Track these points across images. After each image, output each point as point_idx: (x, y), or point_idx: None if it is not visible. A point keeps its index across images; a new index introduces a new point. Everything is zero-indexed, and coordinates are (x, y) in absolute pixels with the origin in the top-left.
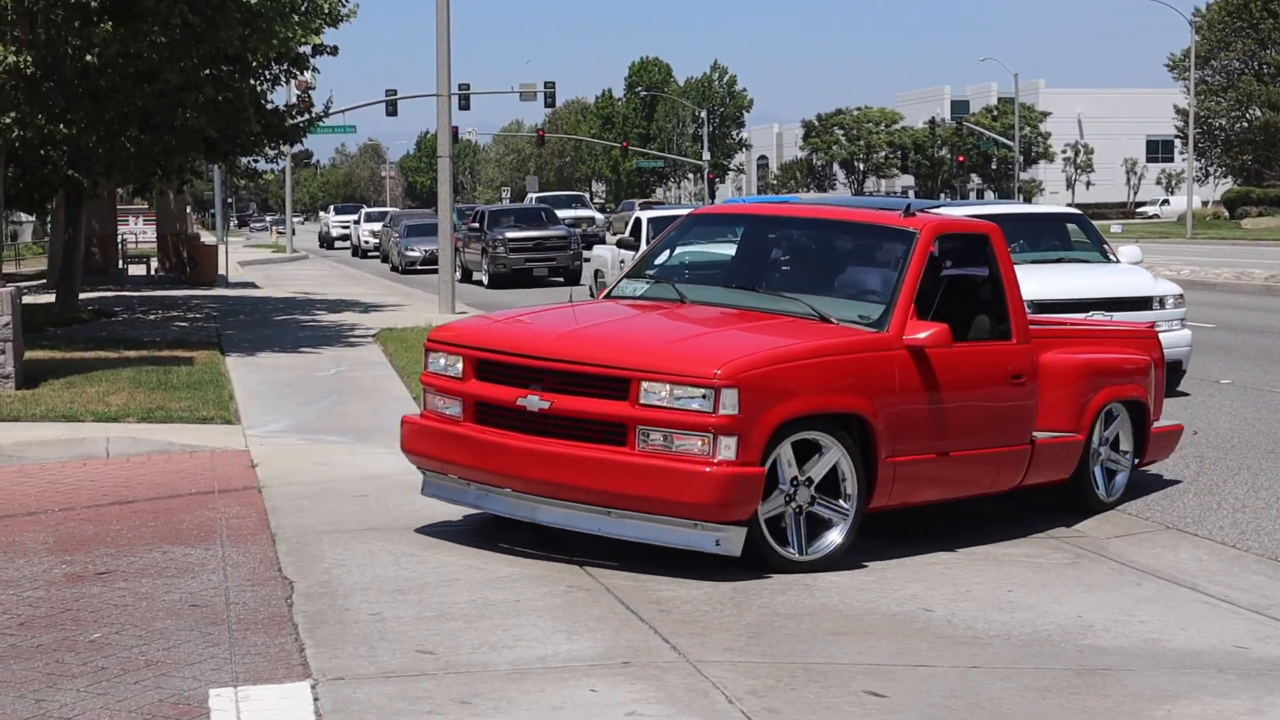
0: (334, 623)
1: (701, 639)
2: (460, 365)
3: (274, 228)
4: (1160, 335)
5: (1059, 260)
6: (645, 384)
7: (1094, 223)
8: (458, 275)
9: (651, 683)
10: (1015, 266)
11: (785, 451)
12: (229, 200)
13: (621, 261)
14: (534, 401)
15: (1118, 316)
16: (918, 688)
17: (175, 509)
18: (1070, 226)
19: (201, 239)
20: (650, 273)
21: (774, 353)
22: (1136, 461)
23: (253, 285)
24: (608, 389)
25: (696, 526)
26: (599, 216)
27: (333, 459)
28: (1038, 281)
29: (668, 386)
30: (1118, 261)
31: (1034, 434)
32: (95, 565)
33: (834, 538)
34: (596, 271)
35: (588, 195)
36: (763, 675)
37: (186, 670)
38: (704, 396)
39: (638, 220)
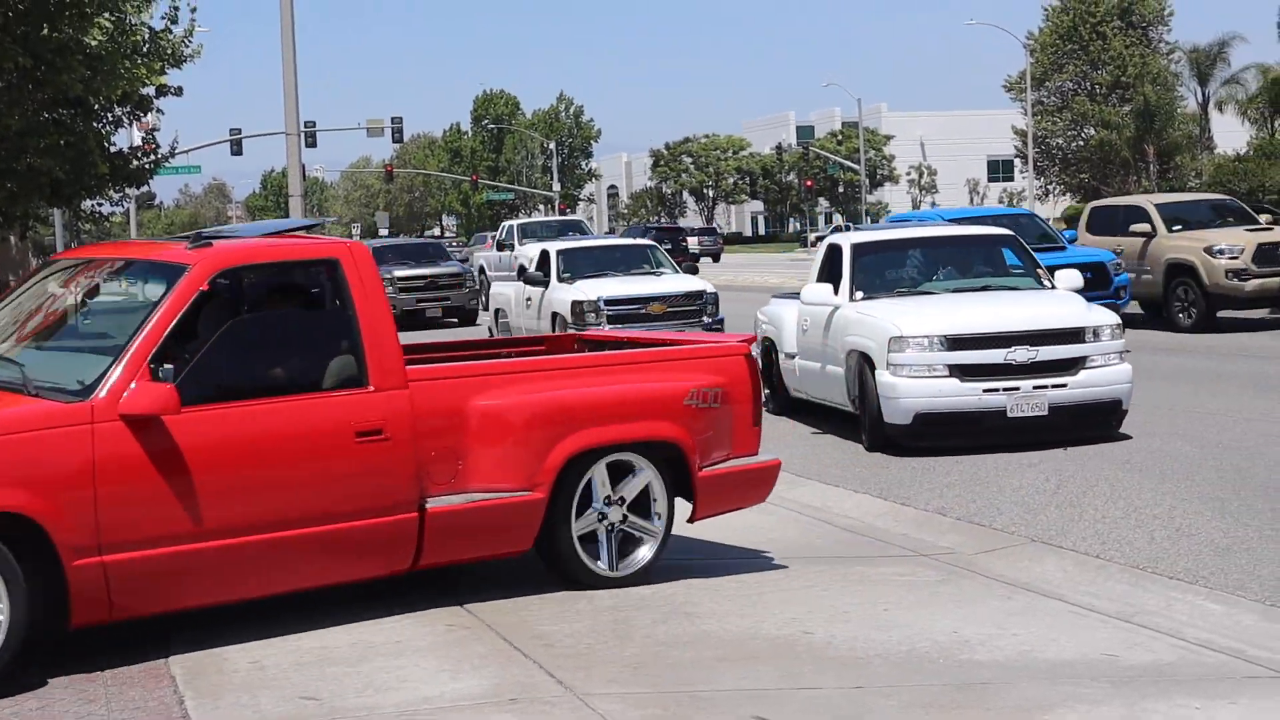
0: (213, 672)
1: (586, 671)
2: None
3: None
4: (1099, 369)
5: (984, 289)
6: None
7: None
8: None
9: (539, 718)
10: (935, 295)
11: None
12: (71, 245)
13: (528, 299)
14: None
15: (1044, 351)
16: (804, 709)
17: None
18: (1003, 250)
19: None
20: None
21: None
22: (691, 514)
23: None
24: None
25: None
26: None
27: None
28: (953, 314)
29: None
30: (1052, 288)
31: (431, 499)
32: None
33: None
34: (498, 311)
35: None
36: (650, 705)
37: None
38: None
39: (545, 253)
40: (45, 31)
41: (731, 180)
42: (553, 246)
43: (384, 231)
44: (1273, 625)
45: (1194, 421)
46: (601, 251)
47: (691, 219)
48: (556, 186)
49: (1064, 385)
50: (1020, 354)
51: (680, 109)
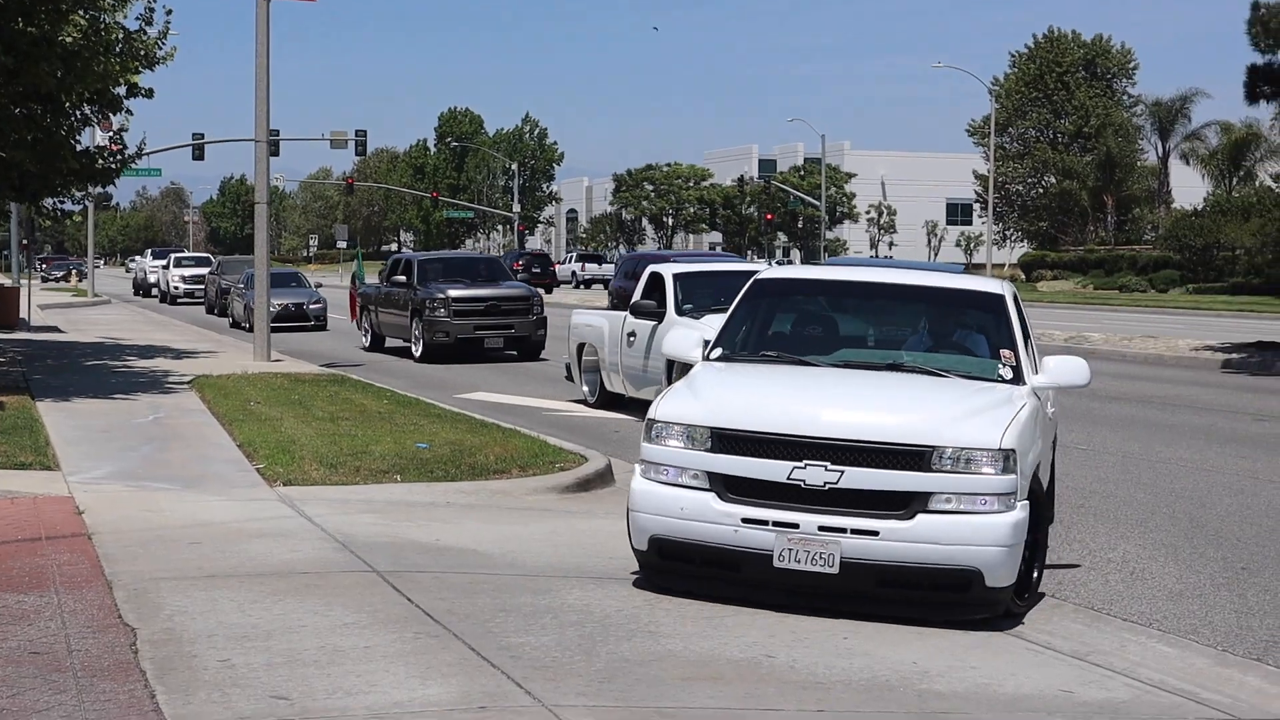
0: (183, 669)
1: (555, 684)
2: None
3: (74, 272)
4: (949, 517)
5: (891, 367)
6: None
7: None
8: (365, 341)
9: None
10: (810, 369)
11: None
12: (24, 242)
13: (630, 335)
14: None
15: (854, 474)
16: None
17: (2, 556)
18: (973, 314)
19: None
20: None
21: None
22: None
23: (56, 329)
24: None
25: None
26: None
27: (161, 506)
28: (747, 398)
29: None
30: (1010, 380)
31: None
32: None
33: None
34: (582, 346)
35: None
36: (618, 719)
37: (35, 718)
38: None
39: (656, 276)
40: (20, 25)
41: (692, 209)
42: (666, 270)
43: (342, 244)
44: (1225, 670)
45: (1147, 469)
46: (727, 278)
47: (649, 246)
48: (517, 207)
49: (874, 534)
50: (814, 473)
51: (643, 137)
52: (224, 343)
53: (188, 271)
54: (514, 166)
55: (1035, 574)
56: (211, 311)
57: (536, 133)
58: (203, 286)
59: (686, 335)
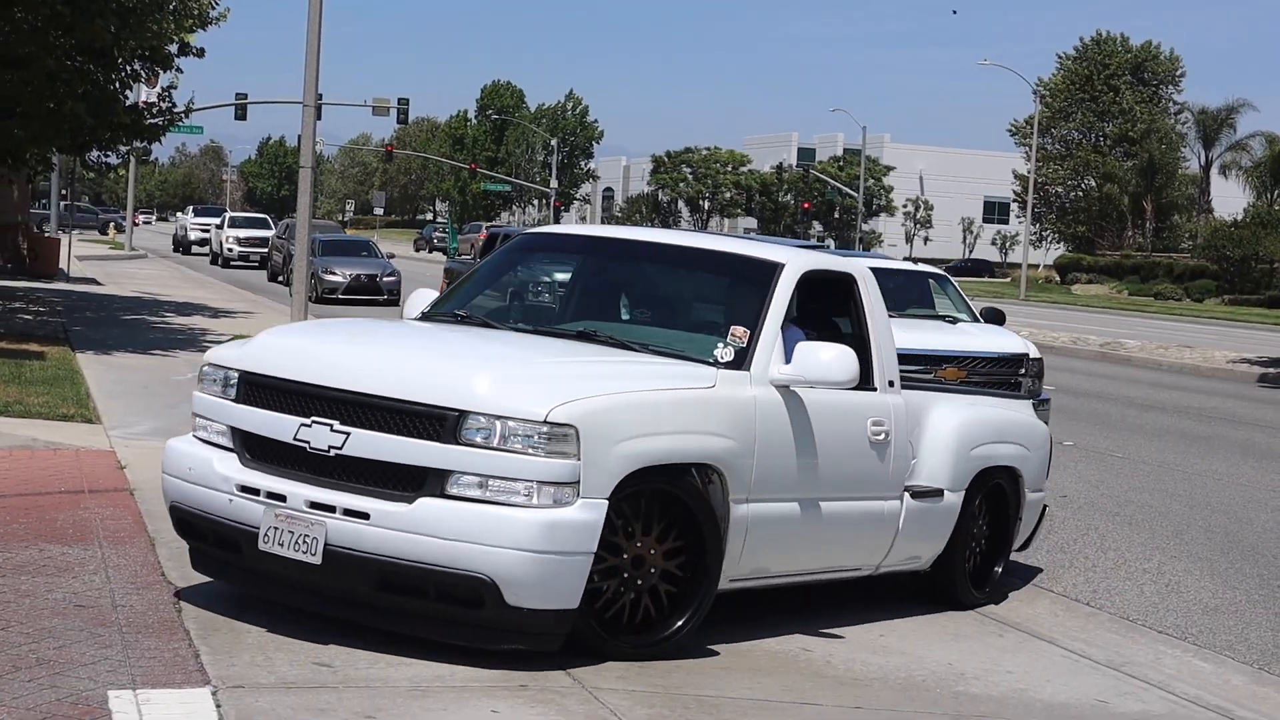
0: (226, 631)
1: (593, 667)
2: None
3: (111, 225)
4: (466, 505)
5: (581, 336)
6: None
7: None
8: None
9: (551, 706)
10: (495, 331)
11: None
12: (64, 193)
13: None
14: None
15: (363, 438)
16: None
17: (46, 506)
18: (736, 286)
19: (39, 231)
20: None
21: None
22: None
23: (94, 281)
24: None
25: None
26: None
27: None
28: (343, 345)
29: None
30: (727, 362)
31: None
32: None
33: None
34: None
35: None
36: (658, 704)
37: (81, 670)
38: None
39: None
40: None
41: (729, 194)
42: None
43: (379, 211)
44: (1261, 689)
45: (1182, 480)
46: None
47: (685, 229)
48: (554, 183)
49: (364, 516)
50: (320, 433)
51: (683, 119)
52: (260, 303)
53: (242, 233)
54: (554, 142)
55: (685, 618)
56: (276, 279)
57: (578, 110)
58: (258, 250)
59: (415, 295)
